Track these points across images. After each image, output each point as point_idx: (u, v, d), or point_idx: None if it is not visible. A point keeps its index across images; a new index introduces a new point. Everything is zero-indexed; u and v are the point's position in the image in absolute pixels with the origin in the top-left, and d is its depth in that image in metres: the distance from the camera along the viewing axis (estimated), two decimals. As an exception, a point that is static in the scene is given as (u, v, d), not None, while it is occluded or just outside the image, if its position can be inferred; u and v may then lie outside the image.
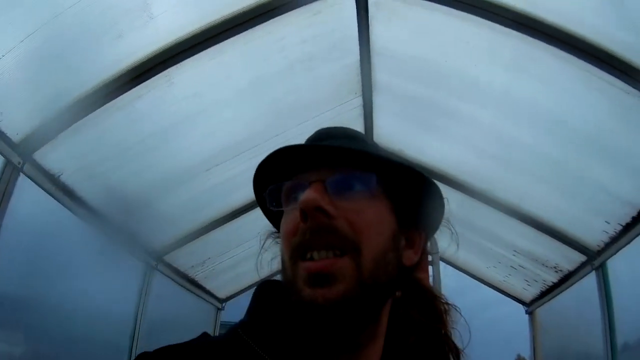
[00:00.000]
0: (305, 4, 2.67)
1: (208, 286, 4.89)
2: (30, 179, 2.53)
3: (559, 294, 4.40)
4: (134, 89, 2.62)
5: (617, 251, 3.37)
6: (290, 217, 0.83)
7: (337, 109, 3.48)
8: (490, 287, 5.27)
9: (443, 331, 0.93)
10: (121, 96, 2.60)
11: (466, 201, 3.90)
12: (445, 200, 0.91)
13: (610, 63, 2.43)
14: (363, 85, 3.40)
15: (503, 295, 5.29)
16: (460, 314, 0.98)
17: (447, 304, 0.97)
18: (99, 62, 2.43)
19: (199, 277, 4.63)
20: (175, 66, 2.65)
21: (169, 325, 4.12)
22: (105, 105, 2.57)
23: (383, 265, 0.82)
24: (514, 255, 4.39)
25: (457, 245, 1.01)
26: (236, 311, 4.51)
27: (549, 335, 4.92)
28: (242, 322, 0.89)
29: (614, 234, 3.32)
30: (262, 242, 1.01)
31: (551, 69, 2.68)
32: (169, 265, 4.12)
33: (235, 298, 5.51)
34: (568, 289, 4.22)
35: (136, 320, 3.60)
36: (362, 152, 0.85)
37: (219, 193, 3.68)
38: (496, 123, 3.26)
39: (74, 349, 2.96)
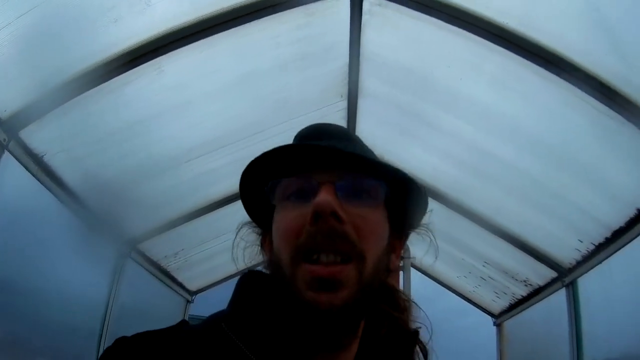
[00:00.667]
0: (302, 4, 2.68)
1: (180, 277, 4.86)
2: (15, 157, 2.50)
3: (527, 307, 4.47)
4: (123, 74, 2.60)
5: (589, 270, 3.42)
6: (293, 214, 0.83)
7: (322, 110, 3.50)
8: (459, 296, 5.34)
9: (408, 323, 0.96)
10: (110, 80, 2.58)
11: (441, 210, 3.96)
12: (429, 212, 0.96)
13: (592, 85, 2.48)
14: (350, 89, 3.44)
15: (472, 305, 5.37)
16: (419, 307, 1.01)
17: (408, 300, 1.00)
18: (93, 45, 2.41)
19: (171, 267, 4.60)
20: (166, 55, 2.64)
21: (139, 313, 4.09)
22: (94, 89, 2.56)
23: (379, 271, 0.85)
24: (484, 266, 4.46)
25: (436, 256, 1.05)
26: (205, 305, 4.44)
27: (516, 348, 4.99)
28: (225, 314, 0.89)
29: (586, 253, 3.38)
30: (237, 232, 1.01)
31: (534, 86, 2.73)
32: (142, 254, 4.09)
33: (205, 292, 5.47)
34: (537, 304, 4.29)
35: (107, 305, 3.58)
36: (374, 161, 0.88)
37: (198, 185, 3.67)
38: (476, 136, 3.31)
39: (45, 330, 2.93)
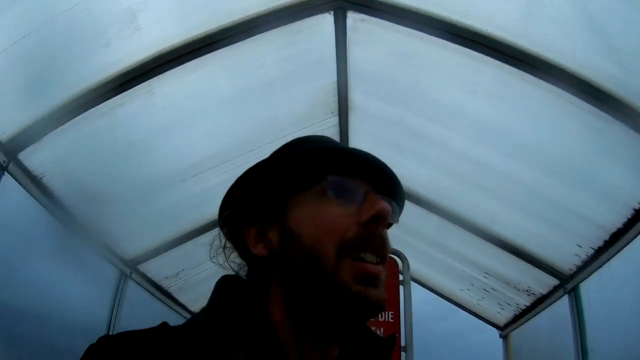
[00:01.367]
0: (286, 23, 2.76)
1: (181, 299, 4.86)
2: (14, 178, 2.57)
3: (532, 317, 4.44)
4: (116, 97, 2.68)
5: (590, 275, 3.40)
6: (338, 211, 0.88)
7: (314, 127, 3.56)
8: (464, 310, 5.31)
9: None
10: (104, 103, 2.66)
11: (438, 222, 3.97)
12: None
13: (579, 86, 2.51)
14: (340, 105, 3.51)
15: (476, 323, 5.34)
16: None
17: None
18: (86, 68, 2.50)
19: (172, 288, 4.61)
20: (157, 77, 2.72)
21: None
22: (89, 111, 2.64)
23: None
24: (485, 277, 4.44)
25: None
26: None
27: (523, 359, 4.94)
28: (204, 310, 0.92)
29: (586, 257, 3.36)
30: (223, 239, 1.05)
31: (523, 94, 2.77)
32: (143, 275, 4.12)
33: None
34: (541, 313, 4.25)
35: (109, 327, 3.59)
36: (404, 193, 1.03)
37: (194, 204, 3.70)
38: (469, 146, 3.34)
39: (46, 352, 2.93)
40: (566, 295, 3.69)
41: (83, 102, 2.58)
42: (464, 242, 4.14)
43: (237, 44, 2.76)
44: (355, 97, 3.46)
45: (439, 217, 3.98)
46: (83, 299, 3.27)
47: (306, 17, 2.79)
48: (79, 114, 2.62)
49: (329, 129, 3.64)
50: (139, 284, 4.06)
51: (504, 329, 5.07)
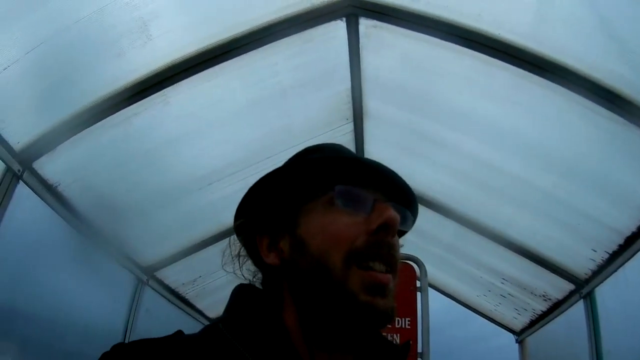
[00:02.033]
0: (298, 31, 2.78)
1: (199, 305, 4.89)
2: (29, 186, 2.60)
3: (548, 322, 4.41)
4: (131, 106, 2.72)
5: (605, 279, 3.37)
6: (346, 220, 0.88)
7: (329, 134, 3.57)
8: (481, 316, 5.27)
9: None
10: (119, 112, 2.69)
11: (455, 228, 3.96)
12: None
13: (592, 89, 2.49)
14: (354, 112, 3.51)
15: (492, 328, 5.29)
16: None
17: None
18: (99, 78, 2.53)
19: (189, 295, 4.64)
20: (171, 86, 2.75)
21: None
22: (103, 120, 2.67)
23: None
24: (502, 283, 4.41)
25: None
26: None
27: (539, 364, 4.90)
28: (221, 318, 0.92)
29: (601, 262, 3.33)
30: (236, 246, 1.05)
31: (536, 97, 2.76)
32: (161, 282, 4.15)
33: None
34: (557, 318, 4.22)
35: (125, 333, 3.63)
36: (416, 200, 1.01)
37: (211, 212, 3.73)
38: (483, 151, 3.33)
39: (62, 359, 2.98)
40: (581, 300, 3.67)
41: (97, 112, 2.61)
42: (481, 248, 4.12)
43: (251, 52, 2.78)
44: (370, 103, 3.47)
45: (455, 222, 3.97)
46: (100, 306, 3.31)
47: (318, 24, 2.80)
48: (93, 124, 2.65)
49: (344, 136, 3.66)
50: (156, 290, 4.10)
51: (520, 334, 5.04)
